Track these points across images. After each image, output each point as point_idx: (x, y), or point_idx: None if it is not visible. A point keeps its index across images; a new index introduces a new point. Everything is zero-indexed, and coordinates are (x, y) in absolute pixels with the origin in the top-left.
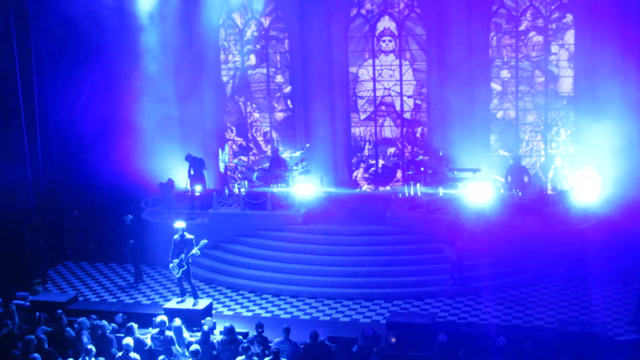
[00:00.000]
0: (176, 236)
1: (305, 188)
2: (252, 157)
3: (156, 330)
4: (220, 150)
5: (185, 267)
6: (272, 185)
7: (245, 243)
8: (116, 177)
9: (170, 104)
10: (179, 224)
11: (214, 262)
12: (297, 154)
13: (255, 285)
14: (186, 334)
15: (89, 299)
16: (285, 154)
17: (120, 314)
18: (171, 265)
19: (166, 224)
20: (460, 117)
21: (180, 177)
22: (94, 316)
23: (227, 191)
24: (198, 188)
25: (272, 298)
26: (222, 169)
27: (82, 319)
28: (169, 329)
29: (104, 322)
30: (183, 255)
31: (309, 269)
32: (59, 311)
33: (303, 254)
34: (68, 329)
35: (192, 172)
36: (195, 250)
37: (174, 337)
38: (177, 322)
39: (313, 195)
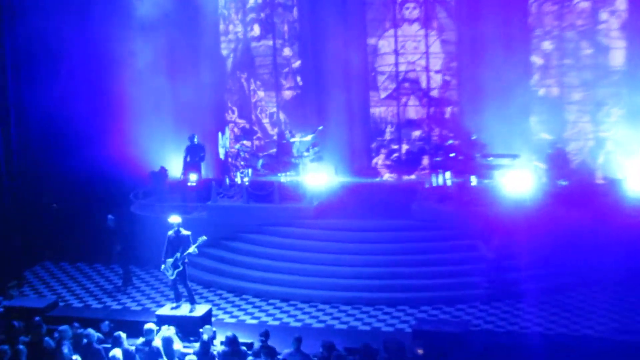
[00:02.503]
0: (170, 232)
1: (318, 177)
2: (256, 142)
3: (141, 340)
4: (219, 134)
5: (181, 268)
6: (279, 174)
7: (249, 240)
8: (102, 166)
9: (162, 83)
10: (174, 219)
11: (214, 262)
12: (308, 138)
13: (261, 288)
14: (178, 345)
15: (71, 304)
16: (295, 139)
17: (107, 322)
18: (164, 266)
19: (158, 218)
20: (496, 95)
21: (175, 165)
22: (77, 324)
23: (227, 181)
24: (193, 177)
25: (280, 303)
26: (222, 156)
27: (63, 327)
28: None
29: (90, 331)
30: (178, 255)
31: (322, 270)
32: (37, 318)
33: (316, 253)
34: (47, 338)
35: (188, 159)
36: (192, 249)
37: (161, 349)
38: (167, 331)
39: (327, 186)
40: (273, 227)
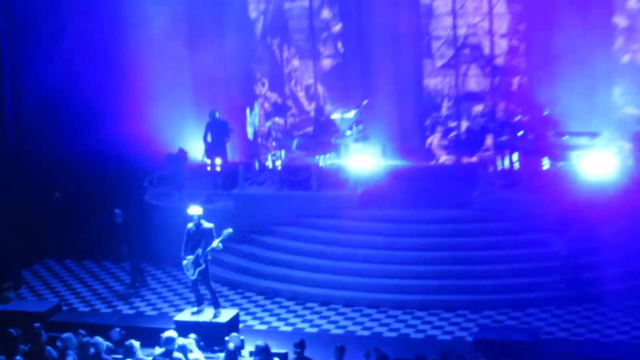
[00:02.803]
0: (190, 225)
1: (363, 160)
2: (290, 120)
3: (161, 350)
4: (247, 111)
5: (203, 267)
6: (317, 157)
7: (283, 234)
8: (112, 149)
9: (181, 52)
10: (194, 210)
11: (241, 260)
12: (351, 114)
13: (297, 290)
14: (197, 355)
15: (76, 308)
16: (335, 115)
17: (118, 329)
18: (184, 262)
19: (177, 208)
20: (572, 62)
21: (196, 146)
22: (82, 331)
23: (257, 165)
24: (217, 161)
25: (319, 307)
26: (250, 136)
27: (67, 334)
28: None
29: (98, 339)
30: (200, 251)
31: (368, 269)
32: (37, 325)
33: (360, 249)
34: (49, 348)
35: (209, 140)
36: (215, 244)
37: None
38: (182, 339)
39: (373, 170)
40: (310, 219)
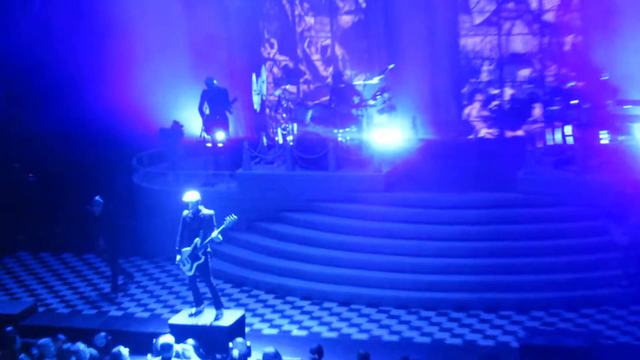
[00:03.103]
0: (186, 212)
1: (389, 134)
2: (303, 87)
3: (156, 359)
4: (253, 77)
5: (202, 260)
6: (335, 131)
7: (295, 222)
8: (95, 122)
9: (176, 9)
10: (191, 195)
11: (247, 252)
12: (375, 80)
13: (312, 287)
14: None
15: (55, 310)
16: (357, 81)
17: (103, 334)
18: (179, 257)
19: (171, 192)
20: (635, 18)
21: (193, 119)
22: (62, 336)
23: (265, 140)
24: (220, 136)
25: (338, 308)
26: (256, 106)
27: (44, 340)
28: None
29: (80, 346)
30: (198, 242)
31: (395, 262)
32: (9, 329)
33: (387, 239)
34: (23, 356)
35: (207, 111)
36: (216, 234)
37: None
38: (179, 345)
39: (401, 146)
40: (327, 204)
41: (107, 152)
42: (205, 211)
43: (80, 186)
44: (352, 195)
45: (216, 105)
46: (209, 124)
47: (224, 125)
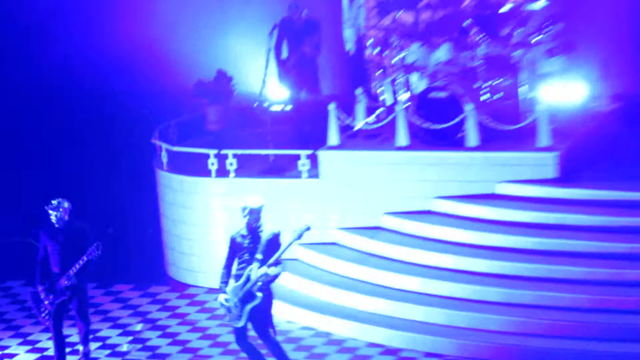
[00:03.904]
0: (240, 233)
1: (564, 90)
2: (425, 15)
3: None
4: (345, 2)
5: (258, 301)
6: (477, 84)
7: (411, 232)
8: (88, 77)
9: None
10: (252, 201)
11: (329, 283)
12: (540, 3)
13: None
14: None
15: None
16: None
17: None
18: (224, 298)
19: (214, 186)
20: None
21: (250, 69)
22: None
23: (363, 99)
24: (300, 94)
25: None
26: (350, 46)
27: None
28: None
29: None
30: (252, 273)
31: (575, 304)
32: None
33: (562, 257)
34: None
35: (284, 55)
36: (275, 258)
37: None
38: None
39: (584, 108)
40: (463, 202)
41: (110, 123)
42: (269, 229)
43: (63, 181)
44: (503, 189)
45: (299, 48)
46: (286, 75)
47: (311, 79)
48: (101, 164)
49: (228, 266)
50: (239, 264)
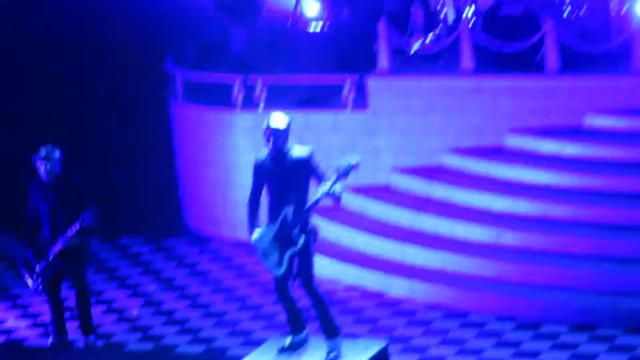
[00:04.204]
0: (263, 155)
1: None
2: None
3: None
4: None
5: (301, 244)
6: (560, 1)
7: (470, 175)
8: None
9: None
10: (277, 120)
11: (383, 233)
12: None
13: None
14: None
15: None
16: None
17: None
18: (256, 237)
19: (238, 119)
20: None
21: None
22: None
23: (420, 15)
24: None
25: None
26: None
27: None
28: None
29: None
30: (290, 210)
31: None
32: None
33: None
34: None
35: None
36: (327, 188)
37: None
38: None
39: None
40: (542, 137)
41: (114, 49)
42: (299, 149)
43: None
44: (593, 121)
45: None
46: None
47: None
48: (106, 97)
49: (254, 202)
50: (270, 197)
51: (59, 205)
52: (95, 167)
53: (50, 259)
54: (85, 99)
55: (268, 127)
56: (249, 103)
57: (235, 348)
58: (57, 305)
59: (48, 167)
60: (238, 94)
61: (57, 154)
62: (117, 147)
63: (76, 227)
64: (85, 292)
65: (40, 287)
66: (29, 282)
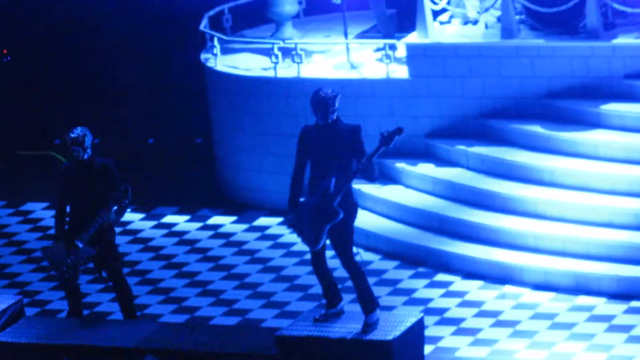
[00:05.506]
0: (311, 129)
1: None
2: None
3: None
4: None
5: (339, 217)
6: None
7: (515, 137)
8: None
9: None
10: (322, 91)
11: (424, 198)
12: None
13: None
14: None
15: (53, 311)
16: None
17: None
18: (295, 209)
19: (279, 84)
20: None
21: None
22: None
23: None
24: None
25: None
26: None
27: None
28: None
29: None
30: (330, 184)
31: None
32: None
33: None
34: None
35: None
36: (370, 157)
37: None
38: None
39: None
40: (579, 104)
41: (144, 11)
42: (345, 123)
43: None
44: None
45: None
46: None
47: None
48: (136, 62)
49: (299, 173)
50: (312, 169)
51: (87, 195)
52: (129, 133)
53: (79, 257)
54: (120, 63)
55: (313, 97)
56: (288, 67)
57: (270, 320)
58: (75, 299)
59: (81, 151)
60: (276, 57)
61: (88, 138)
62: (152, 110)
63: (97, 223)
64: (124, 287)
65: (67, 285)
66: (60, 279)
